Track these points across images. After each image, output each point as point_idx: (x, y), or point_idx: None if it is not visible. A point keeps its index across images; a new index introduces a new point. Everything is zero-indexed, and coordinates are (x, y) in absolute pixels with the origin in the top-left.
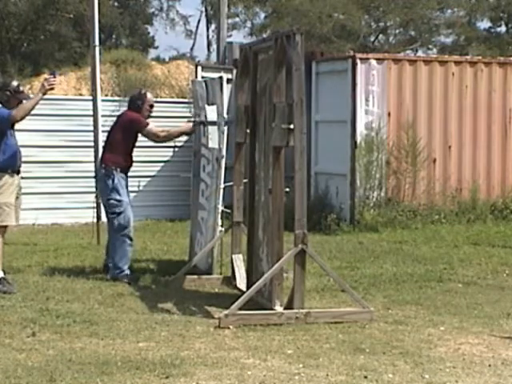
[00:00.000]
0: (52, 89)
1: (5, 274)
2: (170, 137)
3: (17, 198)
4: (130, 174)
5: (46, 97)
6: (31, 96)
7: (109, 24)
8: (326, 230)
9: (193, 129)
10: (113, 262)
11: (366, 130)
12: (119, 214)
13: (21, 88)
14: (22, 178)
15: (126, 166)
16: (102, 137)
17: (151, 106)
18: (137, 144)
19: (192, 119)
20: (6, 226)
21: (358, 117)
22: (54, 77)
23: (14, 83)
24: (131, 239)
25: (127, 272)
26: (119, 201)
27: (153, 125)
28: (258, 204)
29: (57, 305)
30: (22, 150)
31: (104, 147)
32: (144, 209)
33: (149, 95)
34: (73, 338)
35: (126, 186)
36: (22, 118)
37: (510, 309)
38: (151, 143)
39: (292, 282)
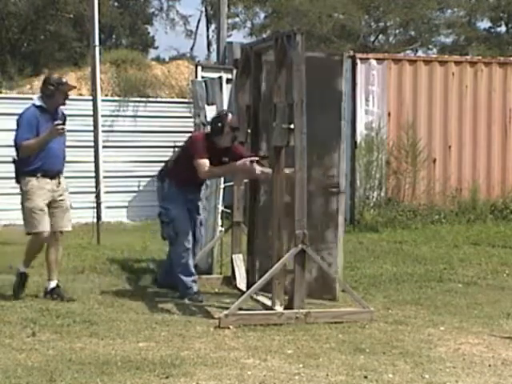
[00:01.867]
0: (60, 134)
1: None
2: (213, 176)
3: (60, 204)
4: (129, 174)
5: None
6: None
7: (109, 24)
8: None
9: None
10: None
11: (366, 130)
12: (167, 223)
13: (63, 79)
14: None
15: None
16: (102, 137)
17: (233, 129)
18: (136, 144)
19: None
20: (38, 233)
21: (358, 117)
22: (64, 123)
23: (55, 76)
24: (186, 252)
25: (193, 290)
26: (167, 209)
27: (205, 161)
28: (259, 204)
29: (57, 305)
30: None
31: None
32: (144, 209)
33: (229, 116)
34: (73, 338)
35: (187, 203)
36: (25, 155)
37: (510, 309)
38: (151, 143)
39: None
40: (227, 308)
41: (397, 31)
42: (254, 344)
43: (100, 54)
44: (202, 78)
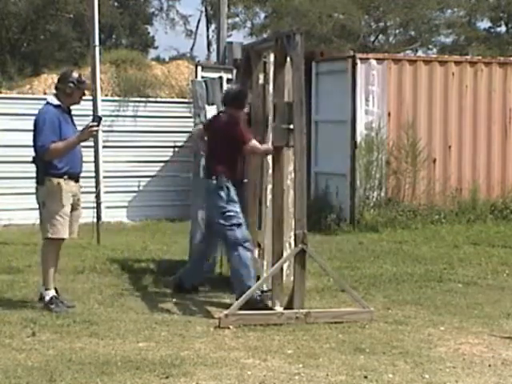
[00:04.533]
0: (93, 136)
1: (57, 292)
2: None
3: (76, 209)
4: (129, 174)
5: (45, 97)
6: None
7: (109, 24)
8: (326, 230)
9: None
10: (240, 285)
11: (366, 130)
12: (238, 225)
13: (82, 78)
14: (22, 178)
15: (239, 176)
16: (102, 137)
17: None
18: (136, 144)
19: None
20: (58, 239)
21: (358, 117)
22: (98, 124)
23: (75, 74)
24: (251, 256)
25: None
26: (237, 212)
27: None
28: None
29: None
30: (21, 150)
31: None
32: (144, 209)
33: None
34: (73, 338)
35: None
36: (50, 159)
37: (510, 309)
38: (151, 143)
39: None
40: (227, 308)
41: (397, 31)
42: (253, 344)
43: (100, 53)
44: (202, 77)
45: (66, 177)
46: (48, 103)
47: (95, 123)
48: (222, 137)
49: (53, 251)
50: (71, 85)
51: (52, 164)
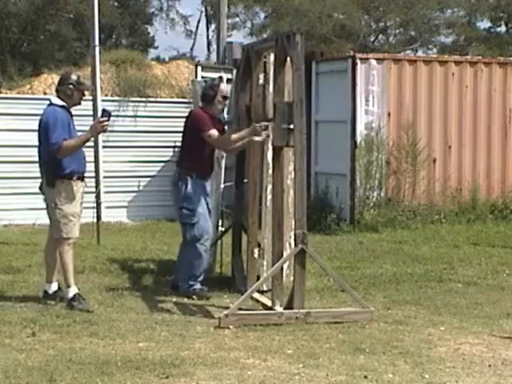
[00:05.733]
0: (104, 131)
1: (79, 289)
2: (228, 145)
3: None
4: (129, 174)
5: (45, 97)
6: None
7: (109, 24)
8: (326, 230)
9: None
10: (182, 277)
11: (366, 130)
12: (192, 225)
13: (81, 79)
14: (22, 178)
15: (203, 170)
16: (102, 137)
17: (224, 98)
18: (136, 144)
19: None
20: (70, 239)
21: (358, 117)
22: (108, 119)
23: (74, 76)
24: (205, 252)
25: (196, 287)
26: (192, 210)
27: (216, 132)
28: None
29: (57, 305)
30: (21, 150)
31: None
32: (144, 209)
33: (222, 85)
34: (73, 338)
35: (205, 193)
36: (63, 156)
37: (510, 309)
38: (151, 143)
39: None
40: (227, 308)
41: (397, 31)
42: (253, 344)
43: (100, 53)
44: (202, 77)
45: (75, 177)
46: (53, 104)
47: (105, 118)
48: (187, 130)
49: (68, 250)
50: (71, 86)
51: (61, 165)
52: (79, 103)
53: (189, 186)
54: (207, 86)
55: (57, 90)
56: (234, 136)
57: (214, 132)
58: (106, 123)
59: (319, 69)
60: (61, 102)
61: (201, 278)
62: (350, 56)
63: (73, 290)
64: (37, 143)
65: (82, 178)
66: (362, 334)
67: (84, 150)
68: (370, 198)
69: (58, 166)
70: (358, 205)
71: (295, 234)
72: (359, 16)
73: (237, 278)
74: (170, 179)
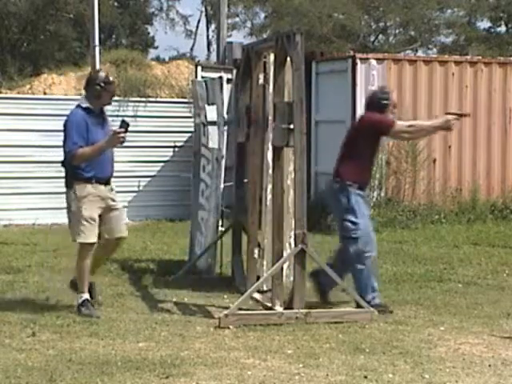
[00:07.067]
0: (121, 143)
1: (91, 296)
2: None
3: (112, 210)
4: (129, 174)
5: (45, 97)
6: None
7: (109, 24)
8: (326, 230)
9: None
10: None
11: None
12: (355, 239)
13: (110, 78)
14: (22, 178)
15: (364, 182)
16: None
17: (395, 107)
18: (136, 144)
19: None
20: (87, 244)
21: (358, 117)
22: (126, 130)
23: (102, 74)
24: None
25: (377, 301)
26: (355, 224)
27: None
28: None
29: (57, 305)
30: (21, 150)
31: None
32: (144, 209)
33: (393, 94)
34: (73, 338)
35: (366, 205)
36: (78, 164)
37: (510, 309)
38: (151, 143)
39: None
40: (227, 308)
41: (397, 31)
42: (253, 344)
43: (100, 53)
44: (202, 77)
45: (93, 181)
46: (78, 105)
47: (122, 129)
48: (359, 138)
49: (85, 256)
50: (98, 87)
51: (80, 168)
52: (109, 103)
53: (352, 199)
54: (380, 93)
55: (85, 91)
56: (426, 124)
57: (400, 122)
58: (122, 135)
59: (319, 69)
60: (85, 104)
61: (376, 287)
62: (349, 56)
63: (84, 296)
64: (35, 143)
65: (105, 183)
66: (362, 333)
67: None
68: (369, 197)
69: (75, 169)
70: None
71: (295, 234)
72: (359, 16)
73: (237, 278)
74: (324, 190)
